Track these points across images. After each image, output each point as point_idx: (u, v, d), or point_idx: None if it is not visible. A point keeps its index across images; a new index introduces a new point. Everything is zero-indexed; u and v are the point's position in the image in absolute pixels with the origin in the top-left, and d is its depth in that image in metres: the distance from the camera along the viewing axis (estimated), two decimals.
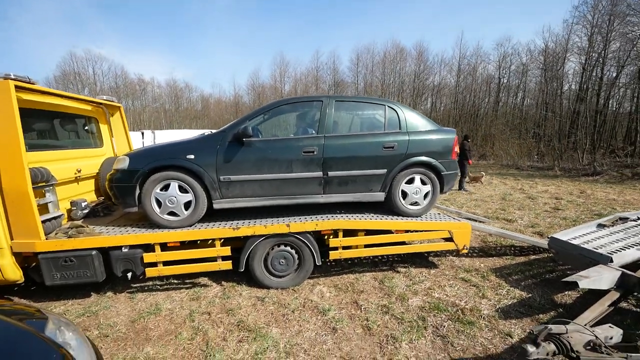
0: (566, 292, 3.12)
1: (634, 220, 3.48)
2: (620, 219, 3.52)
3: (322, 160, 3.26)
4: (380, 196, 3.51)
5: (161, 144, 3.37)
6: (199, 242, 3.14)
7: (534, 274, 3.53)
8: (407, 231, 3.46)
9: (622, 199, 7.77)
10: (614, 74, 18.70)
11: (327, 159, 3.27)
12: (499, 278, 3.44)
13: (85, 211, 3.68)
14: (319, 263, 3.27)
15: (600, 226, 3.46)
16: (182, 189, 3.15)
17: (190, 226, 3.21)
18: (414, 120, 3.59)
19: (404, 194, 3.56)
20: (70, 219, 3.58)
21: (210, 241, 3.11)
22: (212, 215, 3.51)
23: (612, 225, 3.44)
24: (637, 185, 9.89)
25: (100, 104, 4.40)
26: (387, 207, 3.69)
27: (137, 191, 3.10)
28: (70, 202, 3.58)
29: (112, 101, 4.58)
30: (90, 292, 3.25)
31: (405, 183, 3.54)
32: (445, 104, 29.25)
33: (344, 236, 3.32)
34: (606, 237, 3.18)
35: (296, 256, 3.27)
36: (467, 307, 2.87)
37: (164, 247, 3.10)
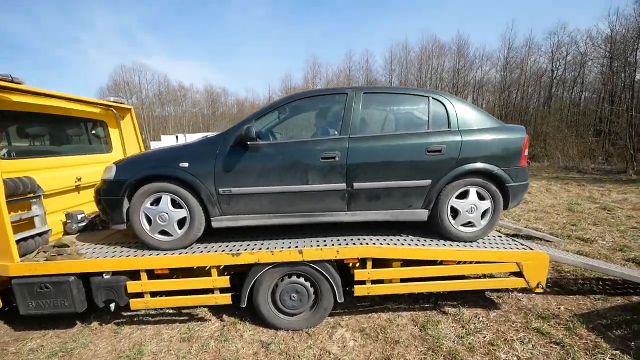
0: None
1: None
2: None
3: (346, 168, 2.54)
4: (422, 214, 2.70)
5: (154, 149, 2.87)
6: (195, 268, 2.58)
7: None
8: (459, 262, 2.61)
9: None
10: None
11: (353, 166, 2.54)
12: (592, 333, 2.46)
13: (82, 224, 3.30)
14: (340, 300, 2.55)
15: None
16: (176, 204, 2.61)
17: (186, 248, 2.66)
18: (468, 115, 2.73)
19: (455, 212, 2.72)
20: (65, 233, 3.22)
21: (207, 268, 2.53)
22: (215, 235, 2.94)
23: None
24: None
25: (110, 106, 4.07)
26: (432, 229, 2.86)
27: (126, 205, 2.61)
28: (65, 214, 3.22)
29: (122, 103, 4.24)
30: (76, 320, 2.83)
31: (457, 197, 2.69)
32: (488, 101, 26.90)
33: (374, 266, 2.57)
34: None
35: (311, 290, 2.58)
36: None
37: (152, 274, 2.58)
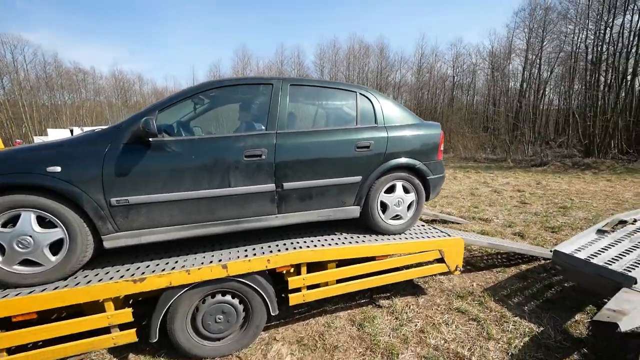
0: (577, 318, 2.60)
1: (632, 224, 3.13)
2: (620, 222, 3.15)
3: (275, 166, 2.29)
4: (354, 211, 2.65)
5: (12, 148, 2.09)
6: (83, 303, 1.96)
7: (534, 293, 2.99)
8: (388, 256, 2.66)
9: (574, 188, 8.09)
10: (549, 73, 20.75)
11: (282, 164, 2.30)
12: (499, 304, 2.81)
13: None
14: (275, 313, 2.30)
15: (601, 232, 3.04)
16: (46, 222, 1.93)
17: (66, 279, 2.01)
18: (392, 111, 2.79)
19: (384, 207, 2.75)
20: None
21: (101, 301, 1.95)
22: (112, 253, 2.33)
23: (613, 231, 3.04)
24: (580, 175, 10.61)
25: None
26: (363, 224, 2.85)
27: None
28: None
29: None
30: None
31: (385, 192, 2.73)
32: (405, 100, 30.09)
33: (309, 271, 2.40)
34: (614, 248, 2.72)
35: (240, 308, 2.25)
36: (473, 358, 2.15)
37: (10, 323, 1.86)
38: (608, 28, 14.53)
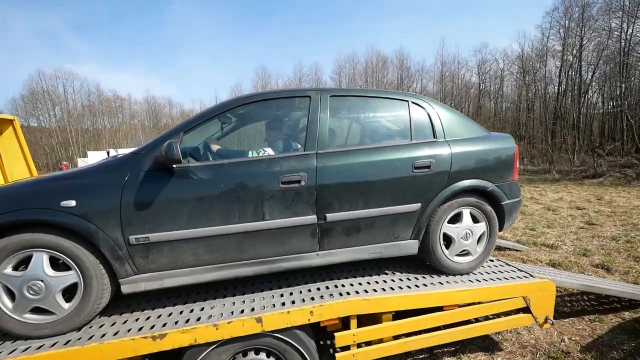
0: None
1: None
2: None
3: (316, 194, 1.90)
4: (411, 247, 2.16)
5: (27, 179, 1.91)
6: None
7: None
8: (459, 306, 2.10)
9: None
10: (591, 73, 18.87)
11: (324, 191, 1.91)
12: None
13: None
14: None
15: None
16: (59, 264, 1.69)
17: (79, 330, 1.74)
18: (453, 122, 2.31)
19: (448, 240, 2.23)
20: None
21: None
22: (125, 297, 2.05)
23: None
24: None
25: None
26: (422, 262, 2.34)
27: None
28: None
29: None
30: None
31: (449, 222, 2.22)
32: None
33: (359, 324, 1.93)
34: None
35: None
36: None
37: None
38: None
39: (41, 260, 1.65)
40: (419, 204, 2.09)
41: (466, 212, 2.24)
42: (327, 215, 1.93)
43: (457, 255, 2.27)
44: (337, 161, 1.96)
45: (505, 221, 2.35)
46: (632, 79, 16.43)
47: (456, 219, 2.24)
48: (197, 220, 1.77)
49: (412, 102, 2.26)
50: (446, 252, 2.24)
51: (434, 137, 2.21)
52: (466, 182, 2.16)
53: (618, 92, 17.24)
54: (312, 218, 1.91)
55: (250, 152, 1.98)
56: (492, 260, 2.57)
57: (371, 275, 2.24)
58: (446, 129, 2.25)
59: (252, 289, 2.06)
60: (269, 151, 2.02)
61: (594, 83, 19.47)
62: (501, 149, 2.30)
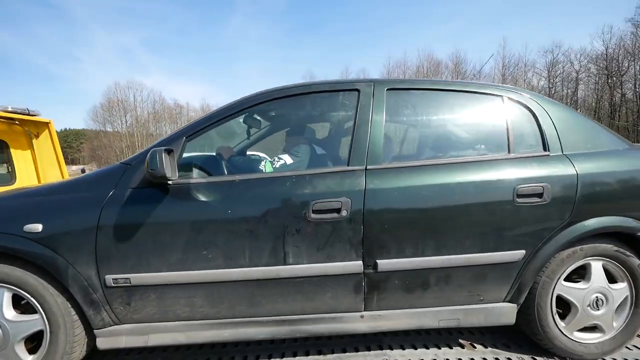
0: None
1: None
2: None
3: (363, 228, 1.28)
4: (505, 313, 1.42)
5: None
6: None
7: None
8: None
9: None
10: None
11: (376, 224, 1.28)
12: None
13: None
14: None
15: None
16: (23, 305, 1.30)
17: None
18: (575, 126, 1.53)
19: (565, 307, 1.45)
20: None
21: None
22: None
23: None
24: None
25: (13, 119, 2.85)
26: (522, 335, 1.58)
27: None
28: None
29: (32, 114, 3.02)
30: None
31: (566, 280, 1.44)
32: None
33: None
34: None
35: None
36: None
37: None
38: None
39: (1, 300, 1.27)
40: (523, 251, 1.36)
41: (597, 266, 1.44)
42: (378, 261, 1.30)
43: (580, 330, 1.47)
44: (397, 182, 1.33)
45: None
46: None
47: (579, 275, 1.45)
48: (194, 260, 1.26)
49: (509, 98, 1.53)
50: (561, 324, 1.45)
51: (546, 150, 1.46)
52: (601, 221, 1.37)
53: None
54: (356, 265, 1.30)
55: (263, 164, 1.44)
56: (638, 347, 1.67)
57: (439, 347, 1.54)
58: (564, 137, 1.48)
59: (266, 355, 1.49)
60: (286, 159, 1.47)
61: None
62: None
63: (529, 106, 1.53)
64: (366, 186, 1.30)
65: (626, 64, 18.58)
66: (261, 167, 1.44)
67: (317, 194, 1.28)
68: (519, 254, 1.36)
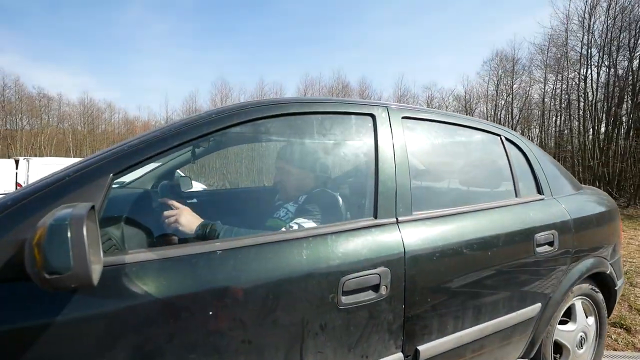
0: None
1: None
2: None
3: (404, 308, 0.94)
4: None
5: None
6: None
7: None
8: None
9: None
10: (517, 118, 21.95)
11: (417, 300, 0.96)
12: None
13: None
14: None
15: None
16: None
17: None
18: (554, 170, 1.60)
19: (559, 351, 1.45)
20: None
21: None
22: None
23: None
24: None
25: None
26: None
27: None
28: None
29: None
30: None
31: (559, 324, 1.45)
32: None
33: None
34: None
35: None
36: None
37: None
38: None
39: None
40: (539, 304, 1.28)
41: (579, 305, 1.50)
42: (419, 348, 0.97)
43: None
44: (434, 237, 1.04)
45: (612, 311, 1.68)
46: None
47: (567, 315, 1.49)
48: None
49: (506, 139, 1.49)
50: None
51: (540, 193, 1.46)
52: (588, 263, 1.43)
53: (537, 133, 20.15)
54: (395, 359, 0.93)
55: (270, 220, 0.94)
56: None
57: None
58: (550, 180, 1.52)
59: None
60: (303, 223, 1.00)
61: (518, 126, 22.51)
62: (612, 209, 1.66)
63: (521, 147, 1.52)
64: (404, 247, 0.97)
65: (474, 104, 24.96)
66: None
67: (347, 267, 0.87)
68: (537, 307, 1.27)
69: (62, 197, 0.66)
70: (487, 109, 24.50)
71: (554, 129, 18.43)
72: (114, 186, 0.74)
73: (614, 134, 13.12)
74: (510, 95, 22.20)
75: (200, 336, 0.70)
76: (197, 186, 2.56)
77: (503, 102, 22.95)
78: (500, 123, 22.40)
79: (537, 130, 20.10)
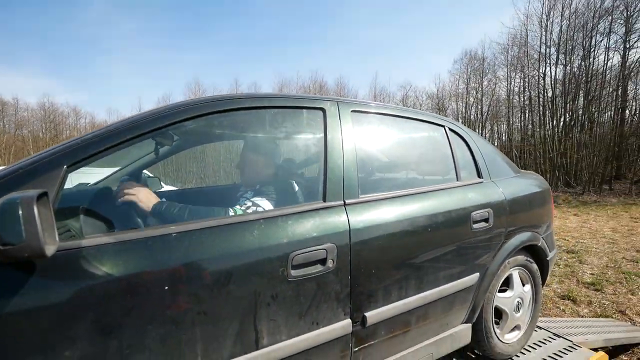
0: None
1: None
2: None
3: (351, 278, 1.06)
4: (464, 335, 1.48)
5: None
6: None
7: None
8: None
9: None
10: (486, 114, 23.09)
11: (364, 271, 1.08)
12: None
13: None
14: None
15: None
16: None
17: None
18: (492, 155, 1.79)
19: (499, 315, 1.64)
20: None
21: None
22: None
23: None
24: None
25: None
26: (467, 349, 1.68)
27: None
28: None
29: None
30: None
31: (499, 292, 1.63)
32: None
33: None
34: None
35: None
36: None
37: None
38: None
39: None
40: (477, 274, 1.45)
41: (516, 275, 1.70)
42: (366, 314, 1.10)
43: (510, 332, 1.69)
44: (377, 217, 1.17)
45: (545, 279, 1.90)
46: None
47: (506, 284, 1.68)
48: None
49: (450, 129, 1.65)
50: (498, 332, 1.63)
51: (480, 177, 1.63)
52: (522, 236, 1.63)
53: (504, 129, 21.35)
54: (344, 325, 1.05)
55: (230, 212, 1.02)
56: (536, 330, 2.07)
57: None
58: (489, 164, 1.71)
59: None
60: (263, 204, 1.10)
61: (487, 122, 23.70)
62: (545, 190, 1.87)
63: (463, 136, 1.69)
64: (350, 224, 1.09)
65: (446, 102, 25.91)
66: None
67: (295, 242, 0.97)
68: (475, 277, 1.44)
69: (16, 188, 0.71)
70: (457, 106, 25.50)
71: (519, 124, 19.55)
72: (75, 184, 0.79)
73: (570, 127, 14.18)
74: (480, 93, 23.26)
75: (157, 309, 0.77)
76: (169, 188, 2.57)
77: (473, 100, 24.03)
78: (470, 120, 23.49)
79: (505, 125, 21.25)
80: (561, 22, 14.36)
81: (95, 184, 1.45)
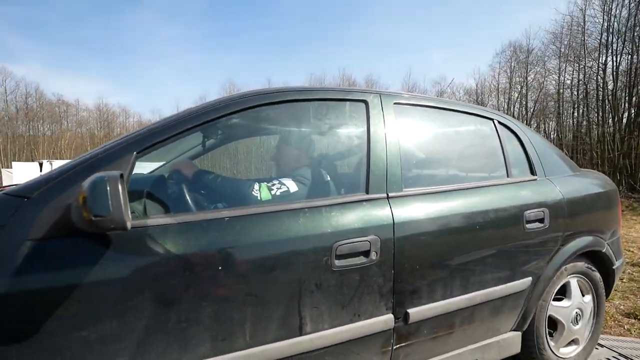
0: None
1: None
2: None
3: (394, 273, 1.04)
4: (513, 343, 1.38)
5: None
6: None
7: None
8: None
9: None
10: (532, 110, 21.23)
11: (405, 266, 1.05)
12: None
13: None
14: None
15: None
16: None
17: None
18: (548, 152, 1.65)
19: (553, 327, 1.50)
20: None
21: None
22: None
23: None
24: None
25: None
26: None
27: None
28: None
29: None
30: None
31: (554, 300, 1.50)
32: None
33: None
34: None
35: None
36: None
37: None
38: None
39: None
40: (530, 278, 1.34)
41: (574, 283, 1.55)
42: (409, 311, 1.07)
43: (566, 346, 1.55)
44: (422, 212, 1.13)
45: (611, 289, 1.71)
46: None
47: (562, 293, 1.53)
48: (161, 354, 0.78)
49: (499, 123, 1.55)
50: (552, 344, 1.50)
51: (533, 174, 1.51)
52: (582, 241, 1.48)
53: (553, 126, 19.49)
54: (386, 320, 1.03)
55: (256, 188, 1.05)
56: (597, 348, 1.88)
57: None
58: (544, 162, 1.57)
59: None
60: (290, 185, 1.12)
61: (533, 119, 21.82)
62: (610, 191, 1.68)
63: (515, 131, 1.57)
64: (394, 218, 1.07)
65: (486, 98, 24.25)
66: (254, 192, 1.04)
67: (339, 233, 0.98)
68: (527, 281, 1.33)
69: (95, 170, 0.80)
70: (498, 102, 23.75)
71: (571, 120, 17.79)
72: (137, 161, 0.87)
73: (636, 124, 12.57)
74: (525, 88, 21.50)
75: (211, 287, 0.82)
76: None
77: (517, 95, 22.30)
78: (514, 117, 21.78)
79: (554, 123, 19.47)
80: (629, 4, 12.73)
81: (150, 173, 1.58)
